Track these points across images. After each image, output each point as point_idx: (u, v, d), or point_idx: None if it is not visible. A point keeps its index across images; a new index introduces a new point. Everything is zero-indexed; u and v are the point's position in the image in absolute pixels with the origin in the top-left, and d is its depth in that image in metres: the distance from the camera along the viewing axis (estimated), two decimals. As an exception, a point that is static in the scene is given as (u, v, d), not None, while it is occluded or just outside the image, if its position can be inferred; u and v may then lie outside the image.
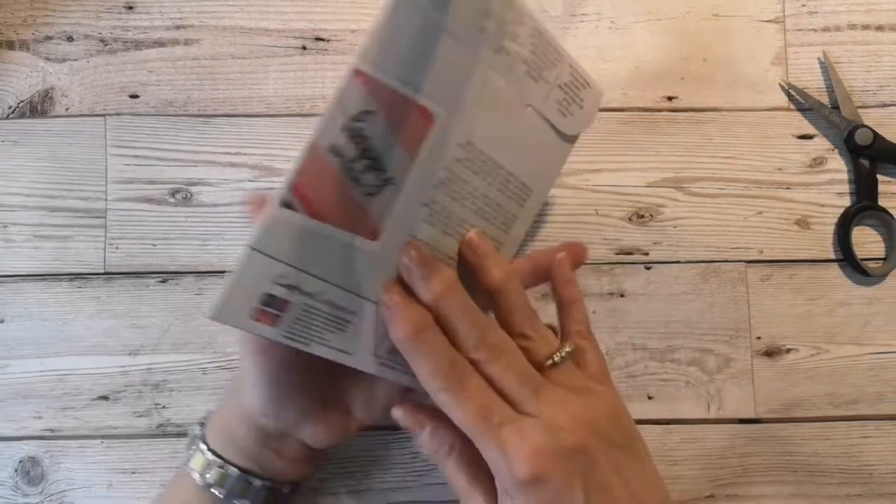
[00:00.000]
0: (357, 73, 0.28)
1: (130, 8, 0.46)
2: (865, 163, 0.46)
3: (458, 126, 0.31)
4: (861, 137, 0.45)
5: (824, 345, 0.45)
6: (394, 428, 0.44)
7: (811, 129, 0.47)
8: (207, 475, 0.35)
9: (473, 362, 0.30)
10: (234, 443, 0.36)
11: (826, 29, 0.47)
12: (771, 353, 0.45)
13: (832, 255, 0.46)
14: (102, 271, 0.44)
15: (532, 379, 0.31)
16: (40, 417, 0.44)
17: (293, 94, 0.46)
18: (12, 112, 0.45)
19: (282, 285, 0.29)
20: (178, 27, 0.46)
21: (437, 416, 0.32)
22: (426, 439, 0.32)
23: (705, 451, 0.44)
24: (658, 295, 0.45)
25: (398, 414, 0.33)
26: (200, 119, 0.45)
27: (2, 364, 0.44)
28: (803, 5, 0.47)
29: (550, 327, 0.35)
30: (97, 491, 0.43)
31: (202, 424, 0.38)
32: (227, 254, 0.44)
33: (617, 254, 0.45)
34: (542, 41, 0.33)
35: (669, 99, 0.46)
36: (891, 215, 0.45)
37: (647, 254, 0.45)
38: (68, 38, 0.46)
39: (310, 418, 0.35)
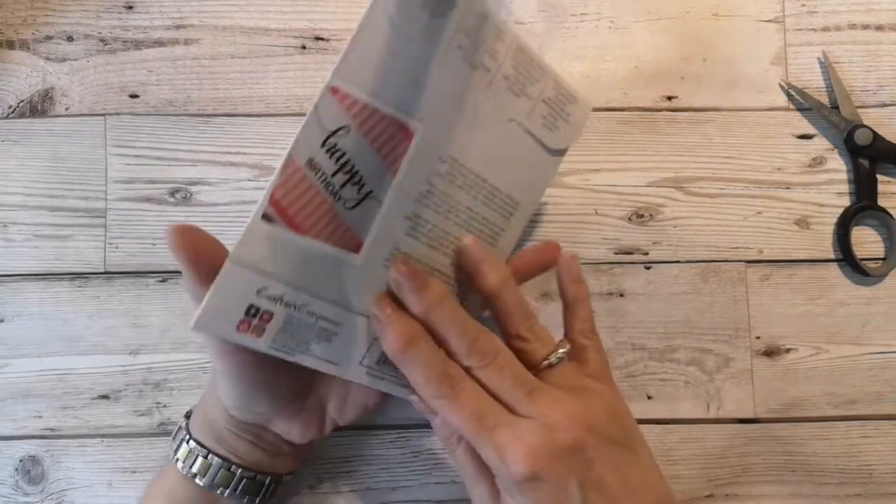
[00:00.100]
0: (333, 89, 0.29)
1: (130, 8, 0.46)
2: (865, 163, 0.46)
3: (439, 140, 0.32)
4: (861, 137, 0.45)
5: (824, 345, 0.45)
6: (393, 427, 0.44)
7: (811, 129, 0.47)
8: (191, 464, 0.36)
9: (467, 369, 0.31)
10: (215, 433, 0.36)
11: (826, 29, 0.47)
12: (770, 352, 0.45)
13: (832, 255, 0.46)
14: (102, 271, 0.44)
15: (526, 381, 0.31)
16: (40, 417, 0.44)
17: (293, 94, 0.46)
18: (12, 112, 0.45)
19: (265, 297, 0.29)
20: (178, 27, 0.46)
21: None
22: (438, 427, 0.33)
23: (704, 451, 0.44)
24: (658, 295, 0.45)
25: (414, 401, 0.33)
26: (200, 119, 0.45)
27: (2, 363, 0.44)
28: (803, 5, 0.47)
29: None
30: (97, 490, 0.43)
31: (188, 416, 0.38)
32: (227, 253, 0.44)
33: (616, 253, 0.45)
34: (523, 57, 0.33)
35: (669, 99, 0.46)
36: (890, 215, 0.45)
37: (646, 253, 0.46)
38: (68, 38, 0.46)
39: (282, 414, 0.36)
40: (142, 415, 0.44)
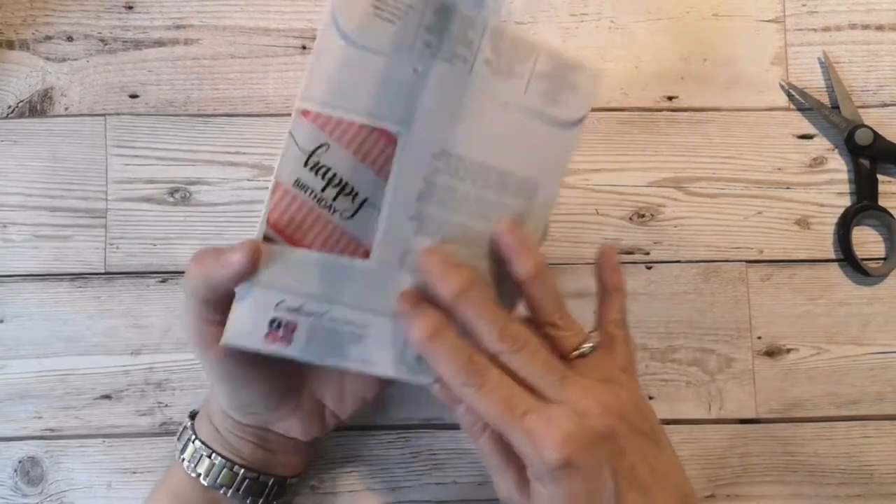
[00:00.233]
0: (304, 112, 0.30)
1: (130, 8, 0.46)
2: (865, 163, 0.46)
3: (427, 138, 0.32)
4: (861, 137, 0.45)
5: (825, 345, 0.45)
6: (393, 428, 0.44)
7: (811, 129, 0.47)
8: (196, 465, 0.36)
9: (496, 355, 0.30)
10: (219, 434, 0.37)
11: (826, 29, 0.47)
12: (771, 352, 0.45)
13: (832, 255, 0.46)
14: (103, 271, 0.44)
15: (556, 368, 0.31)
16: (40, 417, 0.43)
17: (293, 94, 0.45)
18: (12, 112, 0.45)
19: (285, 309, 0.31)
20: (177, 27, 0.46)
21: None
22: (462, 415, 0.33)
23: (706, 451, 0.44)
24: (659, 295, 0.45)
25: (436, 389, 0.33)
26: (200, 119, 0.45)
27: (1, 364, 0.44)
28: (803, 5, 0.47)
29: None
30: (97, 491, 0.43)
31: (193, 416, 0.39)
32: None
33: (617, 253, 0.45)
34: (502, 39, 0.33)
35: (669, 99, 0.46)
36: (891, 215, 0.45)
37: (647, 253, 0.45)
38: (68, 38, 0.46)
39: (279, 412, 0.36)
40: (143, 415, 0.44)
